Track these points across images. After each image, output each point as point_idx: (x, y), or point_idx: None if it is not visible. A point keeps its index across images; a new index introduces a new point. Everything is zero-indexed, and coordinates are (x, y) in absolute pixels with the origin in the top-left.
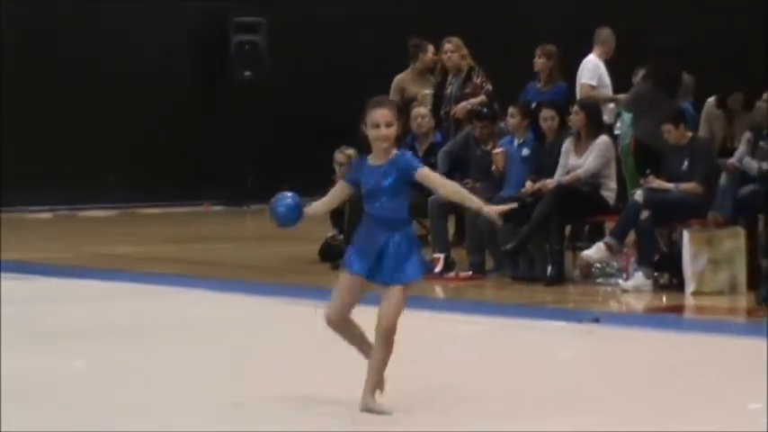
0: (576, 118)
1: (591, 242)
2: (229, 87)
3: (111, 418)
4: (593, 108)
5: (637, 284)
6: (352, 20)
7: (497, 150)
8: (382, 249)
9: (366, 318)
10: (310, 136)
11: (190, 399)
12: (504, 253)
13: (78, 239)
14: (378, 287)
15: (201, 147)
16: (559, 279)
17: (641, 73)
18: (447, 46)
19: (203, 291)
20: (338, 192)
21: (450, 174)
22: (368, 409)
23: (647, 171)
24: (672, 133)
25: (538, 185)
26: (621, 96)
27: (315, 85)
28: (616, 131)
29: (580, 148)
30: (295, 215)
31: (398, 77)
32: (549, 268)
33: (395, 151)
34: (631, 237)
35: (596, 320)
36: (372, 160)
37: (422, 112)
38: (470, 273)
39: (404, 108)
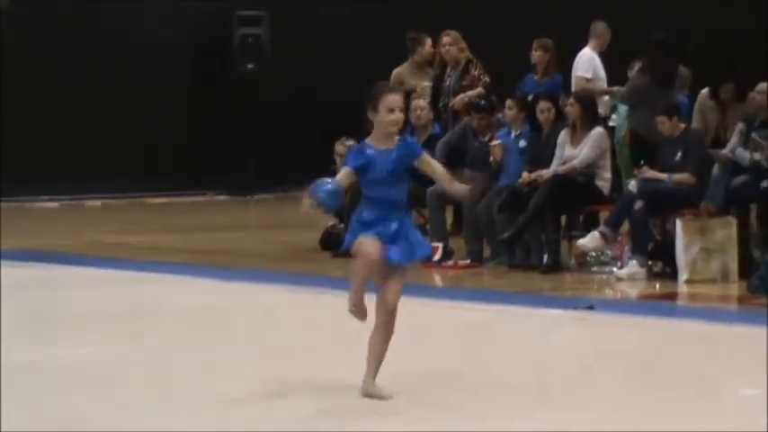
0: (572, 110)
1: (586, 231)
2: (232, 80)
3: (113, 404)
4: (588, 100)
5: (631, 272)
6: (353, 14)
7: (495, 142)
8: (396, 231)
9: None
10: (312, 127)
11: (192, 385)
12: (501, 242)
13: (82, 228)
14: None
15: (205, 138)
16: (555, 267)
17: (637, 66)
18: (445, 39)
19: (206, 279)
20: (344, 177)
21: (448, 164)
22: (368, 394)
23: (642, 162)
24: (665, 125)
25: (534, 176)
26: (616, 89)
27: (316, 78)
28: (611, 123)
29: (575, 140)
30: (335, 199)
31: (397, 70)
32: (546, 257)
33: (397, 137)
34: (625, 226)
35: (591, 308)
36: (379, 145)
37: (421, 104)
38: (468, 261)
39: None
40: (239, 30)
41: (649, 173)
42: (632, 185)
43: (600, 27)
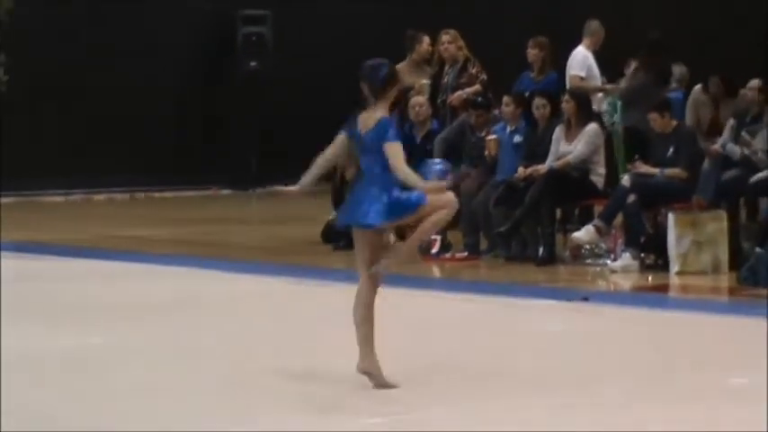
0: (567, 106)
1: (580, 224)
2: (236, 78)
3: (124, 392)
4: (582, 97)
5: (624, 265)
6: (355, 13)
7: (490, 137)
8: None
9: None
10: (314, 124)
11: (199, 371)
12: (497, 235)
13: (90, 222)
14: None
15: (209, 134)
16: (550, 260)
17: (633, 65)
18: (444, 37)
19: (211, 271)
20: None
21: (446, 159)
22: (366, 371)
23: (635, 157)
24: (657, 122)
25: (530, 171)
26: (609, 87)
27: (318, 76)
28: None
29: (570, 136)
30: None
31: (396, 68)
32: (541, 249)
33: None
34: (619, 219)
35: (585, 299)
36: None
37: (419, 100)
38: (466, 254)
39: (401, 97)
40: (243, 28)
41: (642, 168)
42: (625, 180)
43: (593, 26)
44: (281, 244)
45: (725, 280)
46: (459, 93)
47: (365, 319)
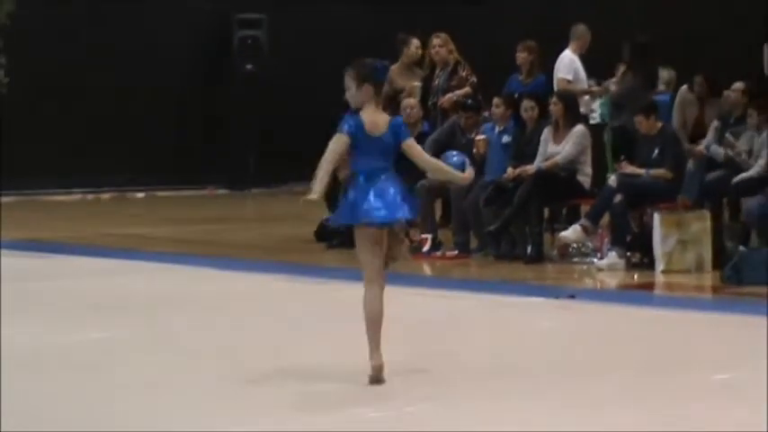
0: (555, 108)
1: (568, 224)
2: (233, 80)
3: (123, 389)
4: (570, 99)
5: (610, 263)
6: (348, 17)
7: (479, 137)
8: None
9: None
10: (307, 125)
11: (196, 368)
12: (487, 234)
13: (91, 221)
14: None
15: (206, 135)
16: (539, 258)
17: (622, 68)
18: (435, 41)
19: (208, 268)
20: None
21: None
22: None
23: (621, 158)
24: (643, 124)
25: (519, 171)
26: (596, 89)
27: (312, 78)
28: (592, 121)
29: (558, 137)
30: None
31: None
32: (529, 248)
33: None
34: (605, 219)
35: (572, 297)
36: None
37: (411, 102)
38: (456, 252)
39: (393, 99)
40: (239, 32)
41: (628, 168)
42: (612, 180)
43: (580, 30)
44: (276, 242)
45: (708, 278)
46: (449, 95)
47: (382, 314)
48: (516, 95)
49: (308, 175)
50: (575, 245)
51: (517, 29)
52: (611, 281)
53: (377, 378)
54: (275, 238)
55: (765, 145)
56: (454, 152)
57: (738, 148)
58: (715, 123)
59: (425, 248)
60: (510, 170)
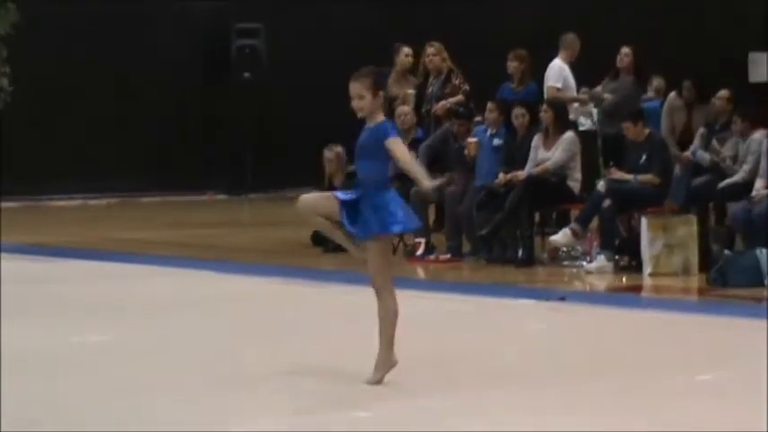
0: (545, 116)
1: (558, 228)
2: (231, 88)
3: (123, 390)
4: (559, 107)
5: (599, 266)
6: (344, 26)
7: (471, 140)
8: (358, 204)
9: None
10: (304, 132)
11: (195, 369)
12: (479, 238)
13: (92, 225)
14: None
15: (206, 141)
16: (529, 261)
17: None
18: (429, 50)
19: (207, 271)
20: None
21: (430, 165)
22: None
23: (610, 163)
24: (630, 130)
25: (510, 177)
26: (584, 97)
27: (309, 86)
28: (581, 128)
29: (548, 143)
30: None
31: None
32: (521, 252)
33: (381, 118)
34: (594, 223)
35: (563, 299)
36: (367, 123)
37: (405, 110)
38: (449, 256)
39: (387, 106)
40: (237, 41)
41: (617, 174)
42: (601, 185)
43: (569, 39)
44: (273, 246)
45: (695, 281)
46: (442, 102)
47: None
48: (510, 102)
49: (304, 180)
50: (565, 248)
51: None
52: (600, 283)
53: (379, 379)
54: (273, 242)
55: (750, 151)
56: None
57: (723, 154)
58: (701, 130)
59: (419, 252)
60: (501, 176)
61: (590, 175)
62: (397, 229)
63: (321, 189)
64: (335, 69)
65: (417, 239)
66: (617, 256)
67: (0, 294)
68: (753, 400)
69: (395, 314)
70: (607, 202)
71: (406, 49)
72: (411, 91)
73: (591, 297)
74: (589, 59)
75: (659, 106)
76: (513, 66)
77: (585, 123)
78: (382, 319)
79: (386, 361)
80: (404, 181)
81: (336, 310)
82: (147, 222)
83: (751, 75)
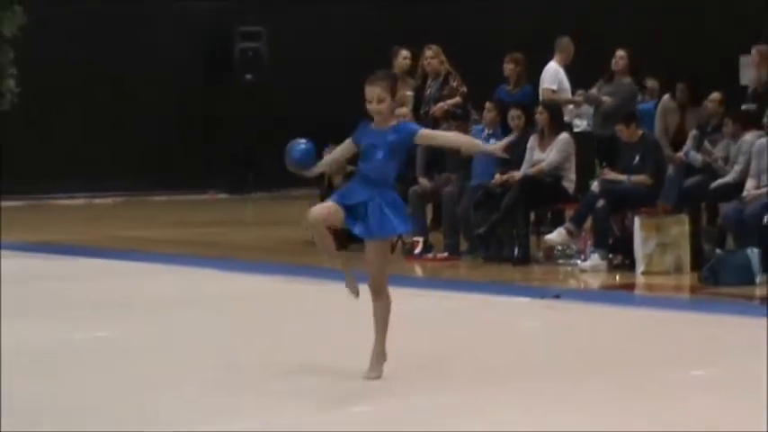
0: (541, 117)
1: (553, 227)
2: (233, 89)
3: (126, 385)
4: (555, 109)
5: (593, 265)
6: (344, 30)
7: None
8: (366, 204)
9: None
10: (304, 133)
11: (196, 366)
12: (476, 237)
13: (95, 224)
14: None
15: (208, 141)
16: (525, 260)
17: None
18: (428, 53)
19: (210, 269)
20: (345, 148)
21: (428, 166)
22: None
23: (604, 164)
24: (624, 132)
25: (506, 177)
26: (579, 99)
27: (309, 87)
28: (576, 129)
29: (543, 144)
30: (309, 158)
31: None
32: (516, 250)
33: (394, 121)
34: (589, 222)
35: (558, 297)
36: (375, 125)
37: (403, 111)
38: (446, 254)
39: None
40: (240, 43)
41: (610, 174)
42: (595, 186)
43: (564, 42)
44: (274, 244)
45: (687, 279)
46: (440, 104)
47: None
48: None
49: (304, 180)
50: (559, 247)
51: (505, 41)
52: (594, 281)
53: (379, 373)
54: (274, 241)
55: (741, 152)
56: (302, 140)
57: (715, 155)
58: (693, 132)
59: (417, 251)
60: (498, 176)
61: (584, 176)
62: (407, 229)
63: (321, 189)
64: (335, 71)
65: (415, 238)
66: (611, 255)
67: (2, 292)
68: (745, 395)
69: (390, 310)
70: (601, 202)
71: (404, 52)
72: (409, 93)
73: (585, 295)
74: (584, 62)
75: (653, 108)
76: (509, 68)
77: (580, 125)
78: (381, 318)
79: (381, 355)
80: (402, 181)
81: (337, 308)
82: (150, 221)
83: (742, 77)
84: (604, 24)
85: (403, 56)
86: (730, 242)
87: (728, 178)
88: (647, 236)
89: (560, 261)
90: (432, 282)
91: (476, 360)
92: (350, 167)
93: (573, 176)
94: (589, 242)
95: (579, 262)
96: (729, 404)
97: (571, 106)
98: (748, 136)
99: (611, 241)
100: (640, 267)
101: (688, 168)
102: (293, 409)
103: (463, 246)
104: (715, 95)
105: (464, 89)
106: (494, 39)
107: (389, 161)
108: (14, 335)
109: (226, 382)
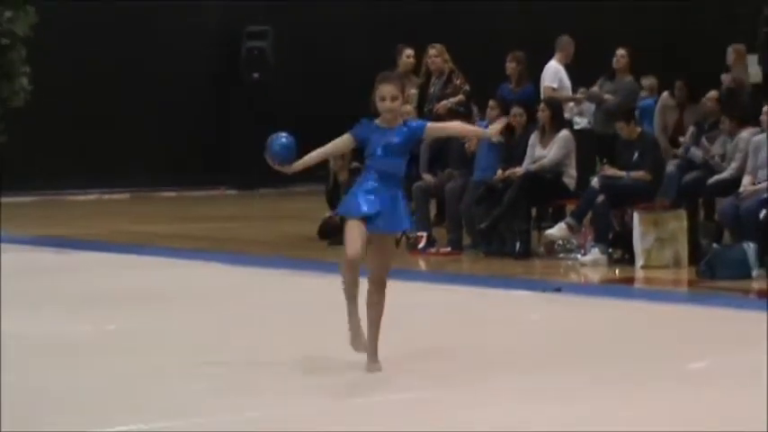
0: (542, 115)
1: (554, 222)
2: (241, 87)
3: (136, 376)
4: (556, 106)
5: (593, 259)
6: (349, 29)
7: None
8: (383, 200)
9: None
10: (310, 130)
11: (202, 358)
12: (478, 232)
13: (108, 219)
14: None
15: (217, 138)
16: (527, 254)
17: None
18: (431, 51)
19: (217, 263)
20: (341, 143)
21: (431, 163)
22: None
23: (604, 161)
24: (623, 129)
25: (508, 173)
26: (579, 96)
27: (315, 86)
28: (576, 126)
29: (545, 141)
30: (288, 152)
31: None
32: (518, 245)
33: (401, 120)
34: (589, 217)
35: (558, 290)
36: (382, 124)
37: (407, 109)
38: (449, 249)
39: None
40: (247, 43)
41: (610, 171)
42: (595, 182)
43: (564, 41)
44: (281, 239)
45: (685, 273)
46: (444, 102)
47: None
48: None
49: (310, 177)
50: (560, 242)
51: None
52: (595, 275)
53: (375, 368)
54: (281, 235)
55: (738, 149)
56: (283, 134)
57: (712, 152)
58: (692, 129)
59: (421, 245)
60: (500, 172)
61: (585, 172)
62: (412, 225)
63: (326, 186)
64: (340, 70)
65: (419, 233)
66: (610, 250)
67: (12, 285)
68: (742, 387)
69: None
70: (601, 198)
71: (408, 51)
72: (413, 91)
73: (585, 288)
74: (584, 61)
75: (653, 104)
76: (510, 67)
77: (581, 122)
78: (379, 312)
79: (376, 347)
80: (406, 177)
81: (342, 301)
82: (159, 216)
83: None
84: (603, 22)
85: (407, 54)
86: (727, 237)
87: (725, 174)
88: (645, 231)
89: (561, 255)
90: (435, 275)
91: (478, 352)
92: (355, 164)
93: (573, 173)
94: (589, 237)
95: (579, 256)
96: (727, 395)
97: (572, 104)
98: (745, 133)
99: (610, 236)
100: (639, 262)
101: (688, 164)
102: (298, 401)
103: (466, 240)
104: (713, 93)
105: (467, 87)
106: (494, 39)
107: (401, 158)
108: (24, 327)
109: (231, 373)
